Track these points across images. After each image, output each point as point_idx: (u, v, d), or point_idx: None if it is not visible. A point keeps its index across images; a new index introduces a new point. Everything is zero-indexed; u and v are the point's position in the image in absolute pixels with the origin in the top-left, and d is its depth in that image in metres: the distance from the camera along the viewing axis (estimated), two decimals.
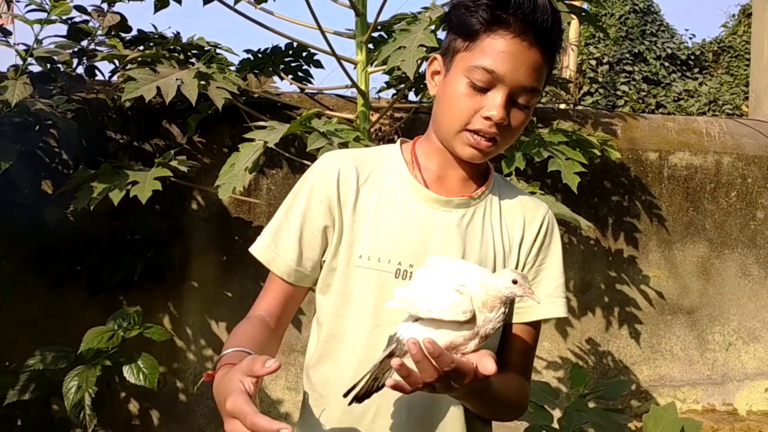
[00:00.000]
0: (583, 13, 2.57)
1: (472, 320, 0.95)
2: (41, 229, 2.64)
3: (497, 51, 1.08)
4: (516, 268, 1.18)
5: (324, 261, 1.17)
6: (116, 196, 2.22)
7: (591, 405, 2.21)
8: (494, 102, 1.08)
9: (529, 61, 1.08)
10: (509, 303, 0.97)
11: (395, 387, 0.93)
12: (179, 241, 2.79)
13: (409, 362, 0.92)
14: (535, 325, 1.22)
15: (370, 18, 2.54)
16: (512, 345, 1.20)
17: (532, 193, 1.42)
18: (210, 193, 2.75)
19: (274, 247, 1.16)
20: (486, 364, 0.93)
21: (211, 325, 2.82)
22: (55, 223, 2.62)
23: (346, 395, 1.02)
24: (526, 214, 1.22)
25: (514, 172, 2.45)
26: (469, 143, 1.12)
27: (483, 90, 1.09)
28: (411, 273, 1.11)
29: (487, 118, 1.09)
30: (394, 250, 1.13)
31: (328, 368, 1.17)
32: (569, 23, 2.50)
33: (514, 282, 0.96)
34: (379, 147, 1.27)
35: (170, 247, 2.76)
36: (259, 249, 1.18)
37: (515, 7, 1.07)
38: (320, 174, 1.17)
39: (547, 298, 1.20)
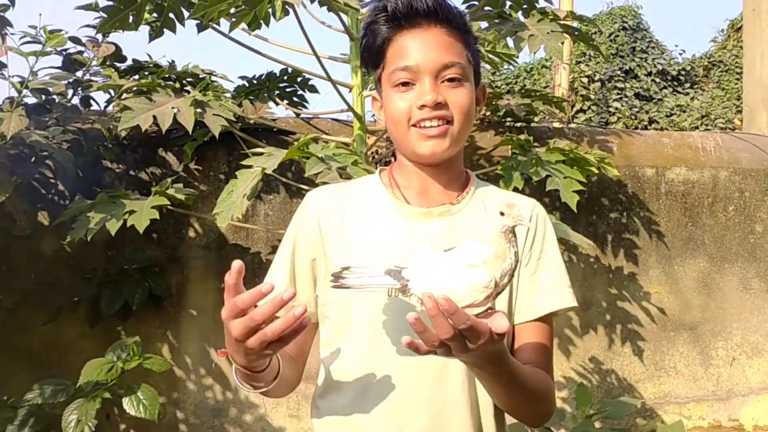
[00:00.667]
0: (576, 33, 2.58)
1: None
2: (38, 260, 2.62)
3: (402, 49, 1.14)
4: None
5: (317, 296, 1.19)
6: (113, 226, 2.20)
7: (597, 425, 2.19)
8: (422, 90, 1.12)
9: (434, 41, 1.13)
10: (512, 238, 0.96)
11: (410, 345, 0.92)
12: (177, 269, 2.77)
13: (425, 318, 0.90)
14: (547, 321, 1.19)
15: None
16: (525, 345, 1.18)
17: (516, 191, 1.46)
18: (207, 220, 2.74)
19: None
20: (499, 321, 0.91)
21: (210, 354, 2.79)
22: (52, 254, 2.61)
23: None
24: None
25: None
26: (421, 138, 1.14)
27: (409, 86, 1.14)
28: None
29: (422, 106, 1.12)
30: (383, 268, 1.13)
31: (334, 397, 1.17)
32: (563, 43, 2.51)
33: (502, 214, 0.94)
34: (360, 178, 1.33)
35: (168, 275, 2.75)
36: None
37: (394, 9, 1.13)
38: (302, 211, 1.22)
39: (548, 291, 1.18)
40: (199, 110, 2.25)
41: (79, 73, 2.59)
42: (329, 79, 2.46)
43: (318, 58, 2.44)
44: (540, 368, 1.15)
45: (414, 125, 1.14)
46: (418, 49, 1.12)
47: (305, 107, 3.10)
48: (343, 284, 1.01)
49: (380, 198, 1.21)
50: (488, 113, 3.05)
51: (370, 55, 1.19)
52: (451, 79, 1.13)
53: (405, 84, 1.13)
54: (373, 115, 3.18)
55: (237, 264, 0.95)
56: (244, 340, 0.95)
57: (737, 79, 10.99)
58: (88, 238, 2.20)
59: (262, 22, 2.56)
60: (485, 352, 0.93)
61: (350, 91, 2.58)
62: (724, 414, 3.18)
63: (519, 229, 1.08)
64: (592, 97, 10.69)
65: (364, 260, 1.10)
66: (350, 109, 2.53)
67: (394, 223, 1.18)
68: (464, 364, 1.05)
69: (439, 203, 1.20)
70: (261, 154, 2.04)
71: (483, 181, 1.30)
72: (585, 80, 10.73)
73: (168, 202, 2.33)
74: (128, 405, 2.17)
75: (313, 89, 3.06)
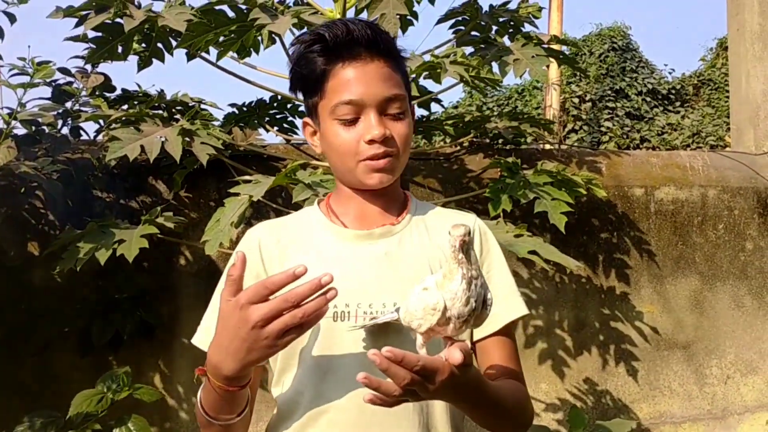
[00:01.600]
0: (561, 56, 2.61)
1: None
2: (28, 291, 2.61)
3: (344, 82, 1.12)
4: None
5: None
6: (103, 256, 2.20)
7: None
8: (369, 125, 1.12)
9: (376, 74, 1.13)
10: (462, 258, 0.93)
11: (373, 401, 0.92)
12: (168, 297, 2.76)
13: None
14: (506, 332, 1.20)
15: None
16: (489, 358, 1.19)
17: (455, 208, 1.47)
18: (198, 248, 2.74)
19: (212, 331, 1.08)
20: (453, 353, 0.91)
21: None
22: (42, 284, 2.61)
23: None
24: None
25: (501, 214, 2.46)
26: (369, 170, 1.14)
27: (353, 121, 1.13)
28: (349, 312, 1.11)
29: (371, 141, 1.12)
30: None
31: (285, 423, 1.16)
32: (548, 66, 2.55)
33: (449, 233, 0.93)
34: (298, 211, 1.31)
35: (159, 304, 2.74)
36: (200, 339, 1.21)
37: (332, 38, 1.13)
38: (243, 246, 1.21)
39: (502, 300, 1.17)
40: (187, 139, 2.26)
41: (69, 104, 2.61)
42: None
43: None
44: (512, 379, 1.16)
45: (362, 159, 1.14)
46: (361, 82, 1.12)
47: (295, 133, 3.11)
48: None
49: (319, 226, 1.22)
50: (477, 136, 3.07)
51: (306, 84, 1.18)
52: (393, 113, 1.14)
53: (349, 119, 1.13)
54: None
55: (241, 254, 0.96)
56: (263, 326, 0.94)
57: (727, 97, 11.08)
58: (78, 268, 2.20)
59: (252, 50, 2.60)
60: (453, 385, 0.93)
61: None
62: None
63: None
64: (584, 117, 10.77)
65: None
66: None
67: (335, 248, 1.18)
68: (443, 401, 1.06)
69: (379, 225, 1.20)
70: (249, 181, 2.04)
71: (422, 201, 1.31)
72: (576, 100, 10.81)
73: (157, 231, 2.33)
74: None
75: (303, 115, 3.07)
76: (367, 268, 1.15)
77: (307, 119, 1.23)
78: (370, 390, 0.91)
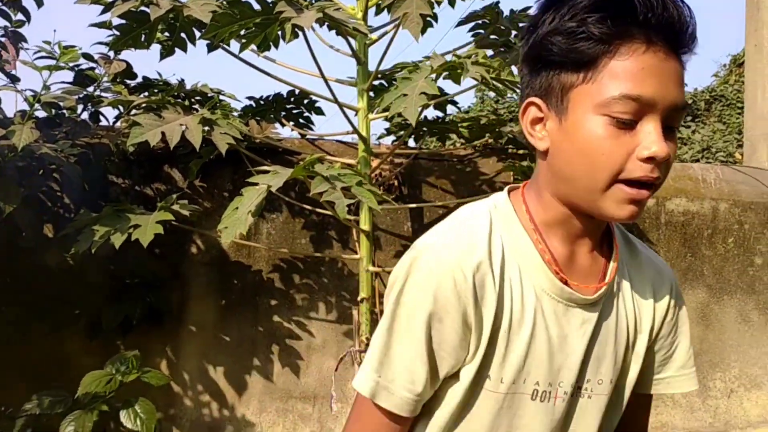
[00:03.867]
0: None
1: None
2: (42, 273, 2.64)
3: (636, 71, 0.82)
4: (646, 350, 1.03)
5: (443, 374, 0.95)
6: (118, 240, 2.22)
7: None
8: (651, 137, 0.82)
9: (673, 73, 0.84)
10: None
11: None
12: (178, 285, 2.79)
13: None
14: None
15: (372, 66, 2.59)
16: (636, 414, 1.09)
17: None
18: (210, 237, 2.76)
19: (408, 390, 0.92)
20: None
21: (209, 371, 2.80)
22: (55, 267, 2.63)
23: None
24: (654, 285, 1.03)
25: None
26: (627, 199, 0.84)
27: (629, 125, 0.83)
28: (549, 393, 0.94)
29: (648, 159, 0.82)
30: (532, 370, 0.93)
31: None
32: None
33: None
34: (481, 215, 0.95)
35: (169, 291, 2.76)
36: (369, 387, 0.94)
37: (645, 9, 0.81)
38: (449, 283, 0.88)
39: (681, 370, 1.06)
40: (207, 128, 2.28)
41: (90, 89, 2.63)
42: (336, 101, 2.49)
43: (325, 80, 2.48)
44: None
45: (622, 180, 0.84)
46: (657, 77, 0.82)
47: (311, 129, 3.13)
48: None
49: (532, 264, 0.93)
50: (491, 140, 3.08)
51: (571, 53, 0.84)
52: (670, 128, 0.85)
53: (626, 120, 0.82)
54: (378, 138, 3.21)
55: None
56: None
57: (738, 113, 11.07)
58: (93, 251, 2.22)
59: (271, 44, 2.62)
60: None
61: (356, 114, 2.62)
62: None
63: (658, 310, 1.02)
64: None
65: (508, 363, 0.93)
66: (355, 131, 2.56)
67: (548, 310, 0.93)
68: None
69: (586, 273, 0.95)
70: (266, 172, 2.06)
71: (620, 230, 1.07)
72: None
73: (173, 218, 2.35)
74: (125, 418, 2.17)
75: (320, 111, 3.09)
76: (577, 342, 0.94)
77: (535, 99, 0.90)
78: None
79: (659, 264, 1.06)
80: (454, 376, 0.93)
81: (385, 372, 0.91)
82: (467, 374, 0.92)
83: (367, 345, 2.49)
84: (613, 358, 0.97)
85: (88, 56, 2.62)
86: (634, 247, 1.05)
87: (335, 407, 2.50)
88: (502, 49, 2.54)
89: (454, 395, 0.94)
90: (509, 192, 0.99)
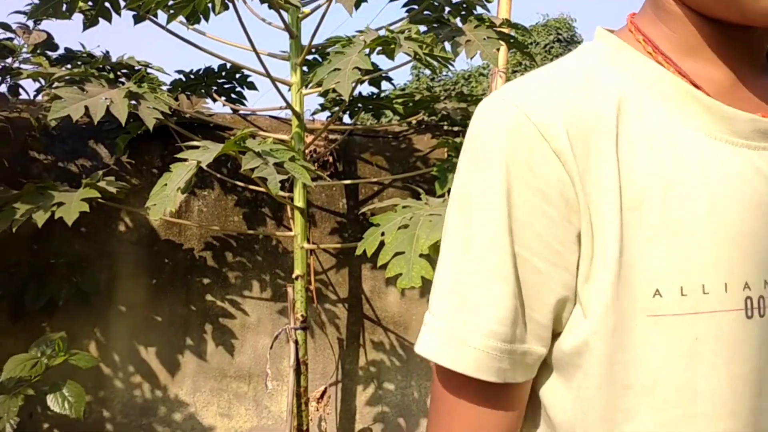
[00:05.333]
0: (512, 40, 2.65)
1: None
2: None
3: None
4: None
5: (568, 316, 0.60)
6: (41, 218, 2.14)
7: None
8: None
9: None
10: None
11: None
12: (106, 264, 2.71)
13: None
14: None
15: (305, 41, 2.55)
16: None
17: None
18: (138, 215, 2.69)
19: (484, 332, 0.58)
20: None
21: (140, 351, 2.74)
22: None
23: None
24: None
25: (447, 194, 2.49)
26: None
27: None
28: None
29: None
30: (730, 261, 0.55)
31: None
32: (498, 49, 2.59)
33: None
34: (562, 63, 0.64)
35: (97, 270, 2.68)
36: (435, 341, 0.60)
37: None
38: (519, 145, 0.58)
39: None
40: (133, 102, 2.21)
41: (8, 60, 2.51)
42: (268, 75, 2.45)
43: (257, 53, 2.43)
44: None
45: None
46: None
47: (243, 104, 3.08)
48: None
49: (664, 95, 0.58)
50: (425, 116, 3.09)
51: None
52: None
53: None
54: (312, 114, 3.18)
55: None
56: None
57: None
58: (14, 230, 2.13)
59: (201, 16, 2.55)
60: None
61: (289, 89, 2.58)
62: None
63: None
64: None
65: (682, 258, 0.55)
66: (289, 106, 2.53)
67: (720, 158, 0.57)
68: None
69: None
70: (196, 147, 2.02)
71: None
72: None
73: (99, 195, 2.28)
74: (53, 402, 2.11)
75: (252, 86, 3.04)
76: None
77: None
78: None
79: None
80: (578, 310, 0.58)
81: (452, 313, 0.59)
82: (601, 292, 0.55)
83: (303, 322, 2.49)
84: None
85: (5, 26, 2.50)
86: None
87: (270, 385, 2.49)
88: (435, 25, 2.53)
89: (595, 339, 0.56)
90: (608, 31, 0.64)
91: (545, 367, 0.61)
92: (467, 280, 0.58)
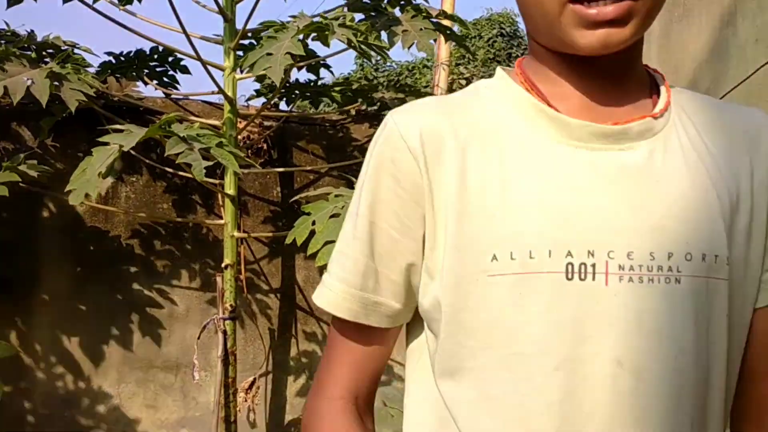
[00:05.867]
0: (449, 31, 2.65)
1: None
2: None
3: None
4: (751, 222, 0.71)
5: (418, 285, 0.74)
6: None
7: None
8: None
9: None
10: None
11: None
12: (28, 251, 2.62)
13: None
14: None
15: (239, 24, 2.50)
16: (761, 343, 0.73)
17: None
18: (63, 201, 2.59)
19: (340, 279, 0.75)
20: None
21: (63, 341, 2.65)
22: None
23: None
24: (748, 130, 0.74)
25: None
26: (582, 21, 0.65)
27: None
28: (594, 266, 0.66)
29: None
30: (553, 233, 0.66)
31: None
32: (435, 41, 2.61)
33: None
34: (470, 86, 0.80)
35: (18, 257, 2.59)
36: (327, 294, 0.76)
37: None
38: (387, 144, 0.73)
39: None
40: (56, 83, 2.13)
41: None
42: (199, 58, 2.40)
43: (188, 37, 2.38)
44: None
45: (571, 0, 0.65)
46: None
47: (176, 88, 3.00)
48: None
49: (521, 110, 0.72)
50: (363, 105, 3.07)
51: None
52: None
53: None
54: (247, 100, 3.13)
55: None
56: None
57: None
58: None
59: None
60: None
61: (222, 73, 2.53)
62: None
63: (759, 163, 0.72)
64: None
65: (514, 230, 0.67)
66: (221, 91, 2.48)
67: (559, 155, 0.69)
68: None
69: (623, 120, 0.70)
70: (120, 131, 1.95)
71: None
72: (463, 82, 11.03)
73: (20, 179, 2.22)
74: None
75: (185, 70, 2.96)
76: (616, 192, 0.68)
77: None
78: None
79: (745, 108, 0.79)
80: (437, 280, 0.71)
81: (329, 267, 0.77)
82: (451, 263, 0.69)
83: (232, 312, 2.45)
84: (689, 219, 0.68)
85: None
86: (692, 98, 0.77)
87: (197, 376, 2.44)
88: (372, 14, 2.52)
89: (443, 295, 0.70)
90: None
91: (420, 321, 0.77)
92: (340, 242, 0.77)
